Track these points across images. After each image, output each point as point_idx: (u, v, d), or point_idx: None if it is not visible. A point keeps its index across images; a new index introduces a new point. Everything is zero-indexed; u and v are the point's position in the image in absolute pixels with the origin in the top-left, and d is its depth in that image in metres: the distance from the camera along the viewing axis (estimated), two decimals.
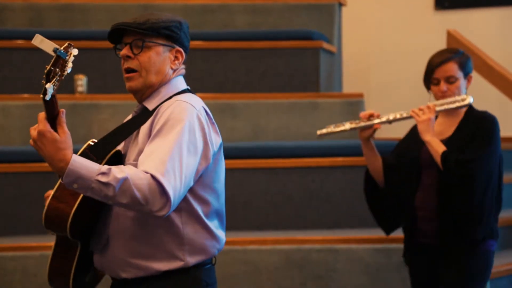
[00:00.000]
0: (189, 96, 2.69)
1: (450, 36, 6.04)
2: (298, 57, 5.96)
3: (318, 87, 5.96)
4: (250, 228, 4.90)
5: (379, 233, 4.68)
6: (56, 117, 2.43)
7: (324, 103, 5.63)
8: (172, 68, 2.72)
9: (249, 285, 4.52)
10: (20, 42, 5.91)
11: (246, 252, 4.52)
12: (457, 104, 3.67)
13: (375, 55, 7.58)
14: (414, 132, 3.82)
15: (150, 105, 2.68)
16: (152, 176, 2.45)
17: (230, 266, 4.51)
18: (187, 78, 6.16)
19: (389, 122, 3.80)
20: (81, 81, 5.67)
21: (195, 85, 5.88)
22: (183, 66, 2.77)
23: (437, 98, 3.73)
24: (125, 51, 2.67)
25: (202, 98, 5.55)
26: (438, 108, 3.68)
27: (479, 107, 3.85)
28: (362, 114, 3.77)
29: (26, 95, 5.58)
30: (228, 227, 4.87)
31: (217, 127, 2.69)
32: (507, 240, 5.33)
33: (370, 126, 3.76)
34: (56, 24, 6.41)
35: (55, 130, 2.43)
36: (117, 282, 2.69)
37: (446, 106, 3.68)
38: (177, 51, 2.72)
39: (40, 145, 2.43)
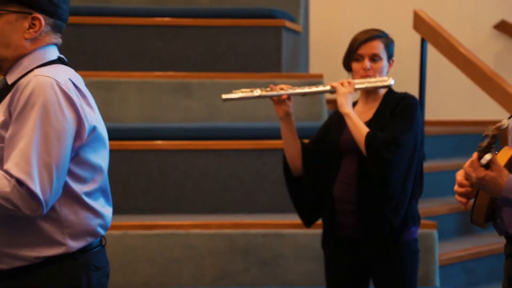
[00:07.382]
0: (52, 68, 2.45)
1: (417, 16, 5.90)
2: (259, 36, 5.78)
3: (280, 68, 5.80)
4: (199, 211, 4.77)
5: None
6: None
7: (284, 84, 5.47)
8: (27, 38, 2.47)
9: (191, 270, 4.40)
10: None
11: (189, 236, 4.39)
12: (378, 84, 3.49)
13: (344, 35, 7.43)
14: (334, 118, 3.63)
15: (10, 79, 2.48)
16: (18, 181, 2.32)
17: (172, 250, 4.40)
18: (144, 55, 5.99)
19: (303, 94, 3.58)
20: None
21: (152, 63, 5.76)
22: (56, 35, 2.52)
23: (358, 76, 3.53)
24: None
25: (157, 76, 5.46)
26: (357, 86, 3.50)
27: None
28: (272, 86, 3.55)
29: None
30: (175, 210, 4.80)
31: (90, 100, 2.48)
32: (458, 227, 5.23)
33: (280, 96, 3.52)
34: None
35: None
36: None
37: (366, 85, 3.49)
38: (34, 17, 2.46)
39: None
